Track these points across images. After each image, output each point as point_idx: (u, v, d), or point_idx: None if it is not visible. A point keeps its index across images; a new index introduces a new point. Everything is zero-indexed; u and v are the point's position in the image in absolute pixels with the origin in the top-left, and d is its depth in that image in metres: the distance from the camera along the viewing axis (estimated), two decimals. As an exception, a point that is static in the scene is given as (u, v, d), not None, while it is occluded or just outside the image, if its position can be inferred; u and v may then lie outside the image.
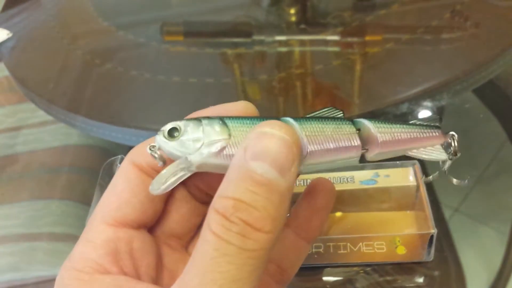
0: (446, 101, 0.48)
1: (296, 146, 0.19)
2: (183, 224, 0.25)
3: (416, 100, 0.47)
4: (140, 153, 0.23)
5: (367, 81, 0.51)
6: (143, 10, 0.71)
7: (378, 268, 0.38)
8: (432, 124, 0.24)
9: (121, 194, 0.23)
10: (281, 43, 0.59)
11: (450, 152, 0.24)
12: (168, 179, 0.22)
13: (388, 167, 0.39)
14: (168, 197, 0.25)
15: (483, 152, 0.55)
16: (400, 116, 0.46)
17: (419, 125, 0.23)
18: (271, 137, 0.19)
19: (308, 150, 0.22)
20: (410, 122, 0.24)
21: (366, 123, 0.23)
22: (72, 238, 0.57)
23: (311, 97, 0.51)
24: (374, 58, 0.53)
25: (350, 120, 0.23)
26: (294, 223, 0.26)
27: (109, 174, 0.42)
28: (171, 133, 0.21)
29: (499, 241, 0.45)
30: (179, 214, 0.25)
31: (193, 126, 0.21)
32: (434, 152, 0.24)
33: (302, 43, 0.59)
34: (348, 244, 0.37)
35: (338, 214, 0.40)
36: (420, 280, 0.38)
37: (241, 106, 0.24)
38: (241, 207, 0.18)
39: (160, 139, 0.22)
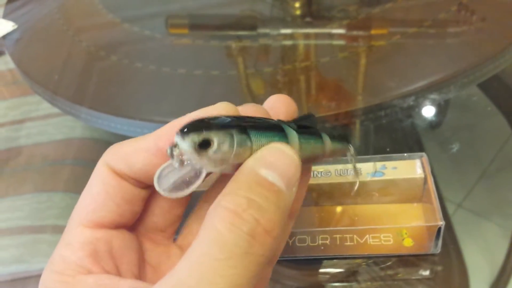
0: (452, 95, 0.48)
1: (300, 168, 0.20)
2: (164, 217, 0.25)
3: (422, 93, 0.47)
4: (116, 157, 0.23)
5: (372, 75, 0.51)
6: (148, 2, 0.71)
7: (381, 261, 0.38)
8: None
9: (97, 196, 0.22)
10: (286, 36, 0.59)
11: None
12: (181, 184, 0.20)
13: (395, 159, 0.39)
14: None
15: (487, 147, 0.55)
16: (407, 109, 0.46)
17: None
18: (283, 153, 0.20)
19: None
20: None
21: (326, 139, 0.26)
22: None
23: (316, 90, 0.51)
24: (380, 51, 0.53)
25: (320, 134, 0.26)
26: None
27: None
28: (203, 145, 0.19)
29: (502, 236, 0.45)
30: (159, 207, 0.24)
31: (227, 143, 0.19)
32: None
33: (307, 36, 0.59)
34: (355, 236, 0.37)
35: (345, 206, 0.40)
36: (423, 274, 0.38)
37: (221, 108, 0.23)
38: (254, 205, 0.18)
39: (186, 147, 0.19)
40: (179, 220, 0.25)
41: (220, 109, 0.23)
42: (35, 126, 0.75)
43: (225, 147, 0.19)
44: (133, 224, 0.24)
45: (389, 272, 0.38)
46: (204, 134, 0.19)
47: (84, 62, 0.59)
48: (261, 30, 0.61)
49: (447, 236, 0.42)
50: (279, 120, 0.23)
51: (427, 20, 0.55)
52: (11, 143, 0.73)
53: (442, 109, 0.57)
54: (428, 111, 0.56)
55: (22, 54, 0.65)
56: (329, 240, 0.37)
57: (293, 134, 0.22)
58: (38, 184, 0.66)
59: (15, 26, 0.68)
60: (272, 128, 0.21)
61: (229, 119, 0.20)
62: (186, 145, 0.19)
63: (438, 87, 0.47)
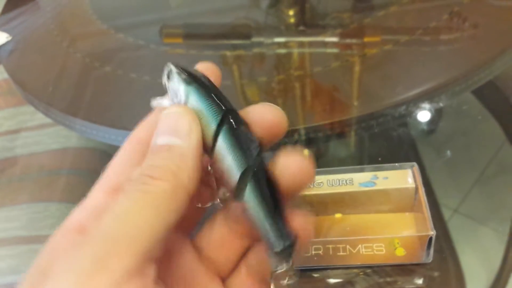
0: (444, 103, 0.49)
1: (189, 115, 0.22)
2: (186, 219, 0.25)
3: (415, 102, 0.47)
4: (139, 129, 0.25)
5: (366, 83, 0.51)
6: (142, 12, 0.71)
7: (378, 269, 0.38)
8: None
9: (117, 162, 0.24)
10: (280, 45, 0.60)
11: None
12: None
13: (386, 169, 0.39)
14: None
15: (482, 153, 0.55)
16: (399, 118, 0.46)
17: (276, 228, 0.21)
18: (167, 115, 0.23)
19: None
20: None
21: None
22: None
23: (310, 99, 0.51)
24: (373, 59, 0.53)
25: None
26: None
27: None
28: (168, 75, 0.24)
29: (498, 241, 0.45)
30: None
31: (176, 83, 0.23)
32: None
33: (301, 44, 0.59)
34: (348, 246, 0.38)
35: (338, 216, 0.40)
36: (420, 281, 0.38)
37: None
38: (146, 168, 0.21)
39: (164, 75, 0.24)
40: (195, 223, 0.26)
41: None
42: (31, 136, 0.75)
43: (175, 82, 0.23)
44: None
45: (387, 280, 0.38)
46: (171, 67, 0.24)
47: (78, 73, 0.59)
48: (255, 39, 0.61)
49: (444, 241, 0.42)
50: (231, 110, 0.23)
51: (419, 28, 0.55)
52: (7, 153, 0.73)
53: (436, 115, 0.57)
54: (423, 118, 0.56)
55: (16, 65, 0.65)
56: (322, 250, 0.38)
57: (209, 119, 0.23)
58: (34, 194, 0.66)
59: (10, 38, 0.68)
60: (211, 106, 0.23)
61: (198, 74, 0.24)
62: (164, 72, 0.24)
63: (430, 95, 0.47)
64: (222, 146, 0.22)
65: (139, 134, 0.25)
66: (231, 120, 0.22)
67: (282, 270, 0.21)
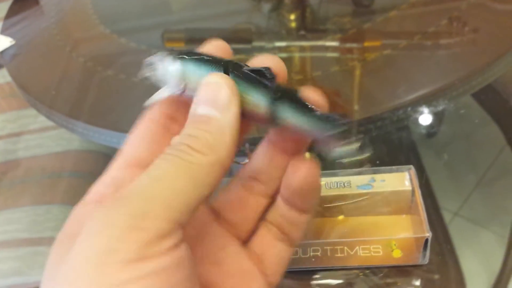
0: (443, 106, 0.49)
1: (229, 87, 0.22)
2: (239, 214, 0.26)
3: (413, 106, 0.47)
4: (152, 109, 0.26)
5: (365, 87, 0.51)
6: (144, 16, 0.72)
7: (378, 271, 0.39)
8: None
9: (132, 140, 0.25)
10: (280, 49, 0.60)
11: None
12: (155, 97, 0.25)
13: (384, 172, 0.39)
14: None
15: (482, 157, 0.55)
16: (397, 122, 0.47)
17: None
18: (207, 84, 0.23)
19: None
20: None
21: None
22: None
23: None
24: (373, 64, 0.53)
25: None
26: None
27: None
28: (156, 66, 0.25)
29: (498, 244, 0.45)
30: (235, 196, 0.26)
31: (166, 68, 0.24)
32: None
33: (302, 49, 0.60)
34: (345, 247, 0.38)
35: (340, 218, 0.41)
36: (421, 283, 0.39)
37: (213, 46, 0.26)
38: (186, 138, 0.22)
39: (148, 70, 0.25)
40: (253, 223, 0.27)
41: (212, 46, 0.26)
42: (33, 139, 0.75)
43: (159, 65, 0.24)
44: None
45: (387, 281, 0.38)
46: (157, 52, 0.25)
47: (81, 77, 0.60)
48: (256, 43, 0.61)
49: (444, 244, 0.42)
50: (229, 60, 0.23)
51: (419, 33, 0.55)
52: (9, 155, 0.74)
53: (437, 119, 0.58)
54: (424, 122, 0.57)
55: (19, 69, 0.65)
56: (320, 252, 0.38)
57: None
58: (36, 197, 0.67)
59: (13, 42, 0.69)
60: (211, 65, 0.24)
61: (181, 52, 0.24)
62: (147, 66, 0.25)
63: (429, 99, 0.47)
64: (240, 88, 0.23)
65: (152, 115, 0.25)
66: (234, 65, 0.23)
67: (348, 145, 0.22)
